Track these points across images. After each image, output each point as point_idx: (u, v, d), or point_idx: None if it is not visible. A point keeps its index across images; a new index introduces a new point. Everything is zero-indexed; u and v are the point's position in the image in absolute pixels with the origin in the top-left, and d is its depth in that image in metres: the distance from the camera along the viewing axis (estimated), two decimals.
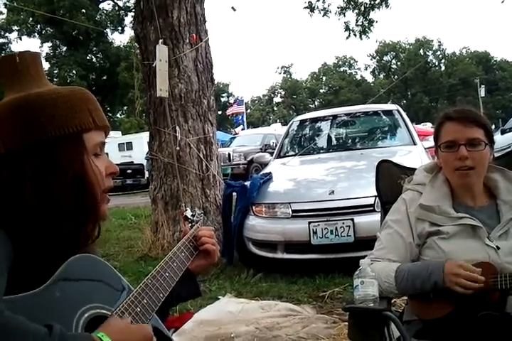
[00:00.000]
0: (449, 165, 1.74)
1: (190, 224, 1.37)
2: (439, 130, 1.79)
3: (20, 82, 1.03)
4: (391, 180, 2.07)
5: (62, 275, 0.92)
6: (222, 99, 57.67)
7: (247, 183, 4.86)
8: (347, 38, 11.26)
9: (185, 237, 1.30)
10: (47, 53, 33.00)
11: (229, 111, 29.00)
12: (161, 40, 5.15)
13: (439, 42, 62.32)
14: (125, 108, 36.68)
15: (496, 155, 1.86)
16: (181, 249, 1.25)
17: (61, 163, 0.97)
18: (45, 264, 0.93)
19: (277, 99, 67.83)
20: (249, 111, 53.71)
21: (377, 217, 2.39)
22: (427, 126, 21.35)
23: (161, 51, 5.07)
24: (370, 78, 66.80)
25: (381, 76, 65.41)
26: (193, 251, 1.29)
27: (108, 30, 32.14)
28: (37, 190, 0.95)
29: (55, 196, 0.96)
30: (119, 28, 32.96)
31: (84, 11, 30.12)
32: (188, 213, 1.39)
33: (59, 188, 0.96)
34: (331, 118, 6.53)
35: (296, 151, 6.05)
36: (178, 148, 5.26)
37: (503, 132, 14.76)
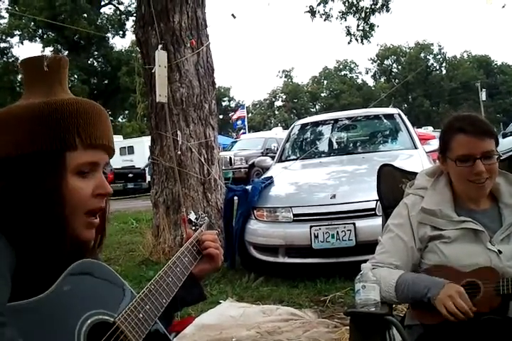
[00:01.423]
0: (464, 179, 1.72)
1: (194, 228, 1.36)
2: (450, 141, 1.74)
3: (43, 85, 1.03)
4: (392, 184, 2.07)
5: (64, 281, 0.92)
6: (224, 103, 57.78)
7: (249, 187, 4.86)
8: (348, 42, 11.30)
9: (189, 241, 1.28)
10: None
11: (234, 117, 29.01)
12: (160, 46, 5.15)
13: (440, 46, 62.48)
14: (126, 112, 36.72)
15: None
16: (184, 253, 1.24)
17: (32, 179, 0.95)
18: (42, 272, 0.93)
19: (278, 103, 67.97)
20: (250, 115, 53.76)
21: (378, 221, 2.39)
22: (428, 130, 21.36)
23: (160, 56, 5.08)
24: (371, 82, 66.97)
25: (382, 80, 65.46)
26: (197, 255, 1.28)
27: (109, 34, 32.22)
28: (2, 204, 0.94)
29: (22, 210, 0.94)
30: (121, 33, 33.05)
31: (85, 15, 30.20)
32: (192, 216, 1.38)
33: (27, 204, 0.94)
34: (332, 122, 6.54)
35: (298, 155, 6.06)
36: (179, 152, 5.26)
37: (504, 136, 14.73)
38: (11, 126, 0.96)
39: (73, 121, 0.99)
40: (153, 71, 5.14)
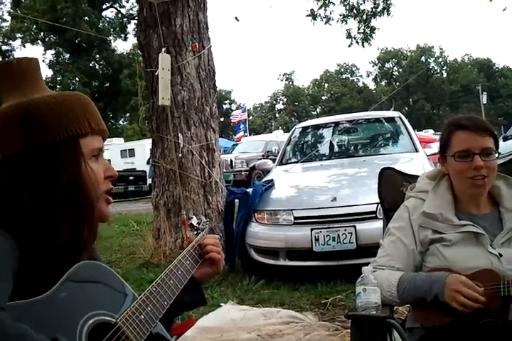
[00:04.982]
0: (463, 175, 1.72)
1: (195, 232, 1.37)
2: (450, 138, 1.76)
3: (18, 87, 1.04)
4: (393, 187, 2.07)
5: (67, 282, 0.92)
6: (225, 106, 57.86)
7: (249, 190, 4.85)
8: (349, 46, 11.29)
9: (190, 245, 1.29)
10: (50, 60, 33.17)
11: (234, 119, 28.95)
12: (163, 49, 5.18)
13: (441, 49, 62.63)
14: (127, 115, 36.75)
15: (498, 162, 1.86)
16: (186, 256, 1.25)
17: (56, 167, 0.98)
18: (49, 269, 0.94)
19: (279, 106, 68.05)
20: (251, 118, 53.81)
21: (379, 224, 2.39)
22: (429, 133, 21.36)
23: (164, 60, 5.10)
24: (372, 85, 67.08)
25: (383, 83, 65.54)
26: (198, 259, 1.29)
27: (111, 37, 32.29)
28: (33, 195, 0.96)
29: (50, 199, 0.97)
30: (122, 36, 33.13)
31: (87, 18, 30.26)
32: (194, 221, 1.39)
33: (54, 192, 0.97)
34: (333, 125, 6.54)
35: (299, 158, 6.06)
36: (180, 154, 5.27)
37: (505, 139, 14.75)
38: (20, 122, 0.98)
39: (82, 108, 1.03)
40: (156, 74, 5.15)
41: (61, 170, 0.98)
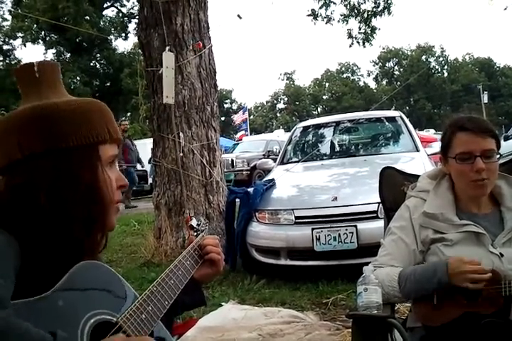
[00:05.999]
0: (465, 177, 1.72)
1: (195, 234, 1.37)
2: (451, 140, 1.75)
3: (38, 90, 1.04)
4: (394, 186, 2.07)
5: (68, 281, 0.92)
6: (226, 106, 57.85)
7: (250, 189, 4.86)
8: (350, 46, 11.31)
9: (191, 246, 1.30)
10: (51, 60, 33.10)
11: (236, 120, 28.89)
12: (167, 47, 5.18)
13: (442, 48, 62.60)
14: (128, 114, 36.73)
15: (500, 161, 1.86)
16: (186, 257, 1.25)
17: (75, 172, 0.98)
18: (51, 270, 0.93)
19: (280, 106, 68.04)
20: (252, 117, 53.80)
21: (380, 223, 2.39)
22: (430, 133, 21.33)
23: (168, 58, 5.10)
24: (372, 84, 67.03)
25: (384, 82, 65.51)
26: (198, 259, 1.29)
27: (112, 36, 32.28)
28: (51, 197, 0.96)
29: (67, 203, 0.97)
30: (123, 35, 33.10)
31: (88, 17, 30.24)
32: (194, 222, 1.39)
33: (71, 196, 0.97)
34: (333, 124, 6.55)
35: (300, 158, 6.06)
36: (181, 154, 5.27)
37: (506, 138, 14.73)
38: (43, 123, 0.97)
39: (103, 116, 1.04)
40: (160, 72, 5.16)
41: (80, 175, 0.99)
